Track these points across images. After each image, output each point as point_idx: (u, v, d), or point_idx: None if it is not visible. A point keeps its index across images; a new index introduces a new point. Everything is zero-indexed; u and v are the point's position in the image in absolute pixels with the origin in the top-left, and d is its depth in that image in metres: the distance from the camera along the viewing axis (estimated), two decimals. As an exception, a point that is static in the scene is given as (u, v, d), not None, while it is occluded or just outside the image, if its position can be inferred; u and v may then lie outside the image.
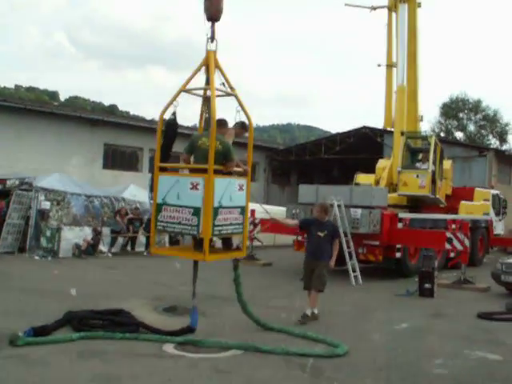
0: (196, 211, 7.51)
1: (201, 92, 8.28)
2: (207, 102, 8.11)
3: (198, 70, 8.01)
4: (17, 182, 18.60)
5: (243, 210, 8.26)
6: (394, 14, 18.99)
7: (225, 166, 7.78)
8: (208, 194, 7.45)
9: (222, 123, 8.02)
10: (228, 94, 8.13)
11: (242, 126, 8.47)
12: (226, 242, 8.30)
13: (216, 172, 7.56)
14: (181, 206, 7.62)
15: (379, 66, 19.95)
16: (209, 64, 7.91)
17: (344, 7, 20.13)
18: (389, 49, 19.76)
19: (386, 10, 19.44)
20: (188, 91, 8.16)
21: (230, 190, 8.00)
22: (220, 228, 7.79)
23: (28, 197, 17.95)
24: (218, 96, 7.96)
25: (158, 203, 7.84)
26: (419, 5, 19.04)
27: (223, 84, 8.04)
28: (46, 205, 17.85)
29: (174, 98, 8.05)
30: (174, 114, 8.29)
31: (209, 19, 8.16)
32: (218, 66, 7.95)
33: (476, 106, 58.00)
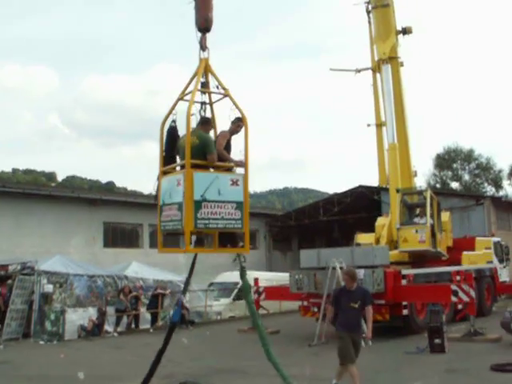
0: (180, 206, 7.71)
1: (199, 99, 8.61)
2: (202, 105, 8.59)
3: (193, 77, 8.42)
4: (18, 267, 18.60)
5: (240, 205, 8.21)
6: (378, 75, 19.55)
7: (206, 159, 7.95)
8: (187, 187, 7.61)
9: (205, 121, 8.42)
10: (223, 96, 8.53)
11: (238, 120, 8.57)
12: (231, 238, 8.34)
13: (200, 167, 7.80)
14: (171, 204, 7.93)
15: (369, 125, 20.43)
16: (199, 70, 8.37)
17: (330, 72, 20.79)
18: (376, 108, 20.27)
19: (370, 72, 20.07)
20: (183, 98, 8.49)
21: (218, 185, 8.04)
22: (206, 221, 7.82)
23: (30, 281, 17.92)
24: (215, 101, 8.67)
25: (160, 205, 8.21)
26: (402, 64, 19.61)
27: (217, 87, 8.47)
28: (49, 288, 17.81)
29: (173, 108, 8.50)
30: (174, 121, 8.66)
31: (199, 30, 8.63)
32: (210, 71, 8.42)
33: (469, 156, 58.72)
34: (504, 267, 22.58)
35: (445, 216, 19.60)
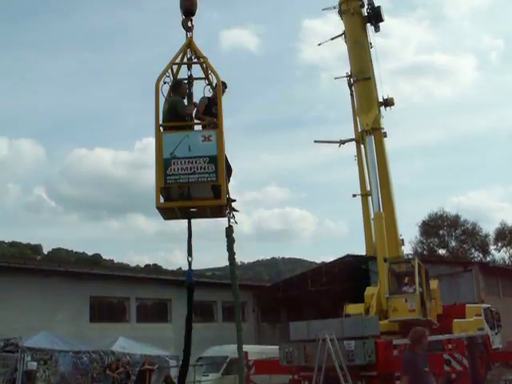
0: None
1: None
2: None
3: (181, 51, 9.37)
4: (1, 344, 18.19)
5: (213, 158, 8.71)
6: (362, 146, 19.93)
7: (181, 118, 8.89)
8: (157, 148, 8.64)
9: (174, 84, 9.15)
10: (201, 63, 9.33)
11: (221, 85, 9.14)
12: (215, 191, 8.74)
13: (173, 128, 8.81)
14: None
15: (354, 196, 20.61)
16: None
17: (314, 143, 21.19)
18: (361, 179, 20.53)
19: (354, 143, 20.47)
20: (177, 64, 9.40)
21: (189, 142, 8.79)
22: (176, 177, 8.59)
23: (13, 358, 17.48)
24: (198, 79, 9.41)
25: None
26: (385, 135, 20.04)
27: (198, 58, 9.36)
28: (33, 365, 17.40)
29: (166, 71, 9.28)
30: (165, 82, 9.29)
31: (184, 13, 9.65)
32: (194, 47, 9.38)
33: (455, 222, 59.22)
34: (496, 334, 22.40)
35: (433, 284, 19.58)
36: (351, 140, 20.65)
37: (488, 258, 56.05)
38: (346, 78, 21.14)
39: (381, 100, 20.01)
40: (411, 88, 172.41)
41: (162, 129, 8.98)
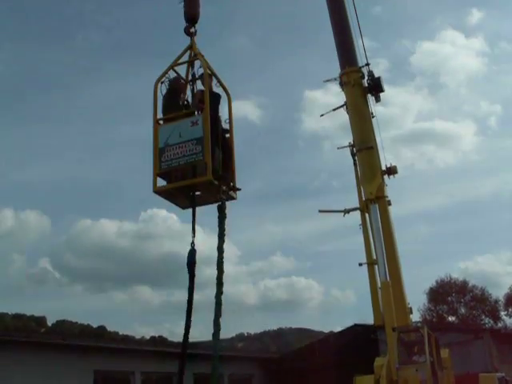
0: None
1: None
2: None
3: (183, 54, 11.00)
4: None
5: (200, 140, 9.73)
6: (367, 215, 19.95)
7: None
8: (154, 140, 10.14)
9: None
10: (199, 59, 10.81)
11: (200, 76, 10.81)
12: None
13: (169, 120, 10.34)
14: None
15: (360, 265, 20.50)
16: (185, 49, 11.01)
17: (319, 213, 21.28)
18: (367, 247, 20.48)
19: (358, 212, 20.52)
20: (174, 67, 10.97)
21: (179, 129, 9.99)
22: (169, 162, 9.83)
23: None
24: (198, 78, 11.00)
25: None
26: (389, 203, 20.08)
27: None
28: None
29: (166, 72, 10.78)
30: (162, 83, 10.78)
31: (187, 21, 11.14)
32: (196, 51, 10.93)
33: (463, 288, 58.57)
34: (511, 405, 21.81)
35: (444, 353, 19.17)
36: (356, 209, 20.73)
37: (499, 324, 55.12)
38: (348, 148, 21.49)
39: (384, 168, 20.16)
40: (413, 155, 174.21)
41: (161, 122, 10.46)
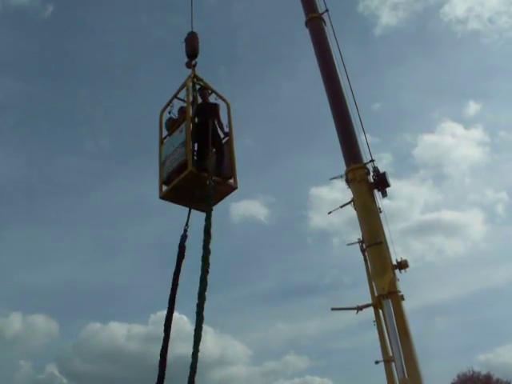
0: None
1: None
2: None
3: (184, 85, 13.12)
4: None
5: (183, 142, 11.85)
6: (380, 311, 19.61)
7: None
8: (159, 157, 12.75)
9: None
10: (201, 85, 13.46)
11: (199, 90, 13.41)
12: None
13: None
14: None
15: (377, 362, 19.93)
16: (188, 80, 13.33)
17: (331, 312, 20.92)
18: (382, 344, 19.95)
19: (371, 308, 20.16)
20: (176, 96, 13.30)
21: (173, 141, 12.18)
22: (168, 169, 12.20)
23: None
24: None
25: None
26: (402, 297, 19.76)
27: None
28: None
29: (170, 101, 13.06)
30: (169, 112, 13.25)
31: (188, 56, 13.58)
32: (197, 78, 13.36)
33: (487, 382, 56.42)
34: None
35: None
36: (368, 305, 20.40)
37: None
38: (358, 244, 21.43)
39: (395, 263, 20.04)
40: (422, 246, 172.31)
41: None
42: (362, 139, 21.10)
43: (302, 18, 21.68)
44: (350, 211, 21.18)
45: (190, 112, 12.53)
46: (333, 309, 20.96)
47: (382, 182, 20.36)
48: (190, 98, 12.90)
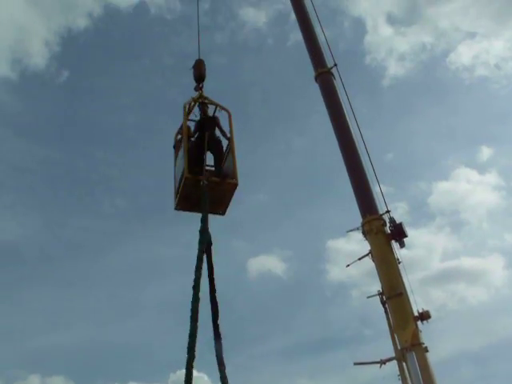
0: None
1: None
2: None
3: (194, 105, 14.67)
4: None
5: (183, 156, 13.61)
6: (404, 364, 19.20)
7: None
8: (174, 179, 14.35)
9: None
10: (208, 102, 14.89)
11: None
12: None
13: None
14: None
15: (404, 417, 19.43)
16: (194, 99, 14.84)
17: (354, 366, 20.55)
18: (409, 395, 19.50)
19: (395, 362, 19.76)
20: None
21: (179, 160, 13.93)
22: (177, 183, 14.03)
23: None
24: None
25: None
26: (426, 349, 19.31)
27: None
28: None
29: (183, 125, 14.12)
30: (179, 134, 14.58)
31: (196, 80, 14.85)
32: (203, 97, 14.75)
33: None
34: None
35: None
36: (392, 359, 20.00)
37: None
38: (377, 296, 21.14)
39: (416, 314, 19.68)
40: (444, 295, 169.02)
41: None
42: (376, 189, 21.02)
43: (312, 73, 21.99)
44: (369, 262, 20.94)
45: (190, 128, 14.46)
46: (356, 363, 20.56)
47: (399, 233, 20.11)
48: (193, 116, 14.85)
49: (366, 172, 21.04)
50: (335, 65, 21.78)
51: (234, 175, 13.66)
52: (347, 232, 21.77)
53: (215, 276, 12.53)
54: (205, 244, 12.26)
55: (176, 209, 13.58)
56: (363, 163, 21.14)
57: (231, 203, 14.09)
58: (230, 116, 14.45)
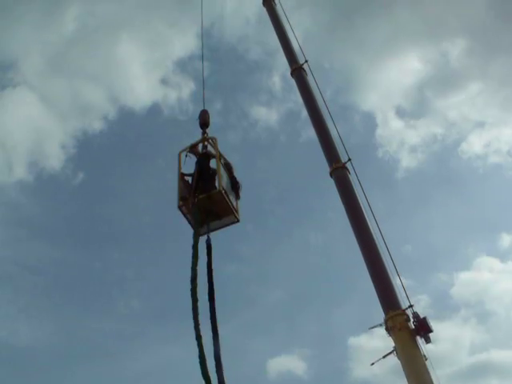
0: None
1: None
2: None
3: (198, 142, 16.67)
4: None
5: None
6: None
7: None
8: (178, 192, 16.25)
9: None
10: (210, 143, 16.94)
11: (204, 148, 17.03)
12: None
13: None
14: None
15: None
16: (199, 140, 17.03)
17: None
18: None
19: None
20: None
21: None
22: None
23: None
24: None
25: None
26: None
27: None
28: None
29: (186, 148, 16.46)
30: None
31: (201, 127, 16.87)
32: (207, 140, 16.73)
33: None
34: None
35: None
36: None
37: None
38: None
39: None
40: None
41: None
42: (396, 282, 20.59)
43: (325, 168, 22.15)
44: (393, 359, 20.19)
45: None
46: None
47: (423, 328, 19.32)
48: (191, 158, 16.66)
49: (386, 266, 20.70)
50: (349, 159, 21.97)
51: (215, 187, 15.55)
52: (369, 329, 21.11)
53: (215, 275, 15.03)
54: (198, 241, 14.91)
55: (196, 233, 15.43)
56: (382, 256, 20.86)
57: (239, 211, 16.42)
58: (214, 142, 16.50)
